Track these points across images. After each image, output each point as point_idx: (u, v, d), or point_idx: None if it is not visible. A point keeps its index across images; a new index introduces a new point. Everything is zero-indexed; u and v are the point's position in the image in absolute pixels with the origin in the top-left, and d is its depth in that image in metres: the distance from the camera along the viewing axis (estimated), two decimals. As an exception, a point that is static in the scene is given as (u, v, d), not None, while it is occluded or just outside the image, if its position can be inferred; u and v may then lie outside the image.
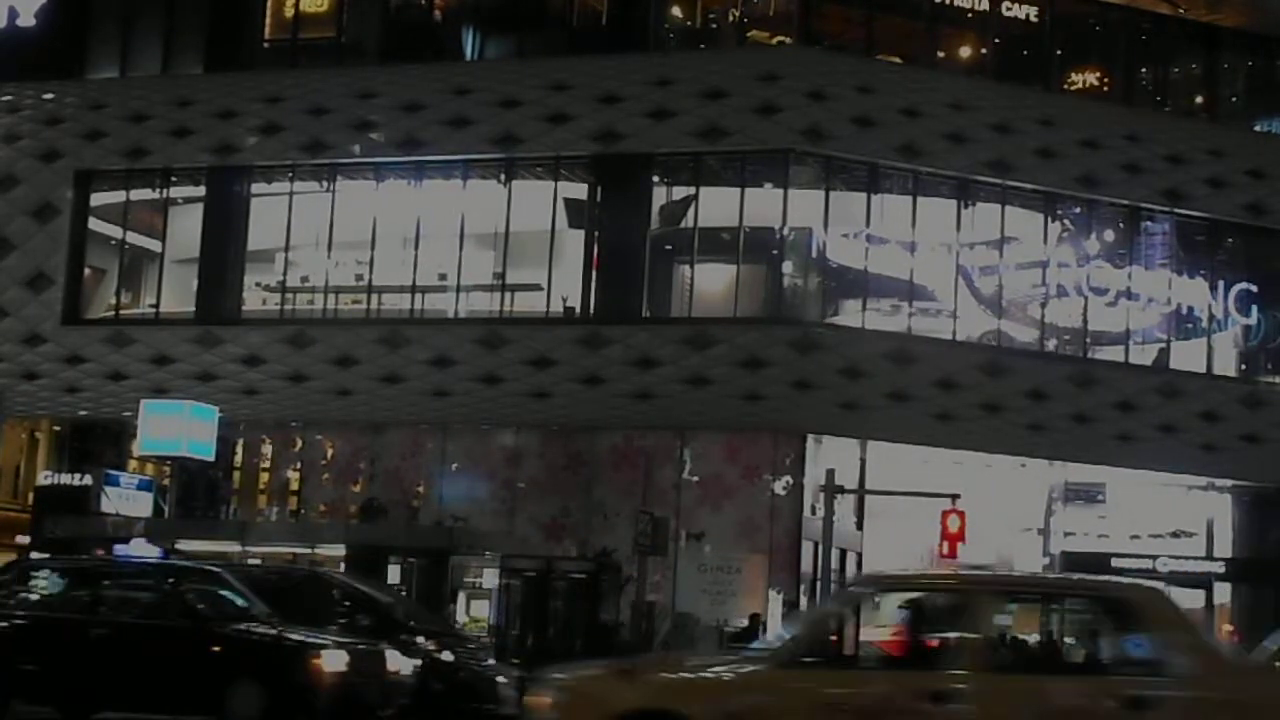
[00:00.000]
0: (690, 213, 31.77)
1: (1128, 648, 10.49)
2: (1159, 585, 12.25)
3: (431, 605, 26.18)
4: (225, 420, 30.89)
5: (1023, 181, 31.82)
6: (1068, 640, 10.92)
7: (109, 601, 17.99)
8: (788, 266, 31.89)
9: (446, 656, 20.03)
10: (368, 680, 17.17)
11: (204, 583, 18.52)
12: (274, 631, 17.17)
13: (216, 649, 16.91)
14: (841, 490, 28.94)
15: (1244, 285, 33.42)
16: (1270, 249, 33.66)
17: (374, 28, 34.67)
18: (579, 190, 32.58)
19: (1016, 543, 35.51)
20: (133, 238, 35.66)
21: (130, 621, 17.54)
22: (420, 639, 19.86)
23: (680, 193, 32.37)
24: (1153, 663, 10.23)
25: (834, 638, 11.06)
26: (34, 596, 18.79)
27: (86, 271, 35.34)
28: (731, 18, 34.45)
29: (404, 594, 25.97)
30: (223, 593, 18.20)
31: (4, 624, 18.06)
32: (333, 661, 16.78)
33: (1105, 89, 35.49)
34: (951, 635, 10.57)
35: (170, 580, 18.35)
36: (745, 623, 26.98)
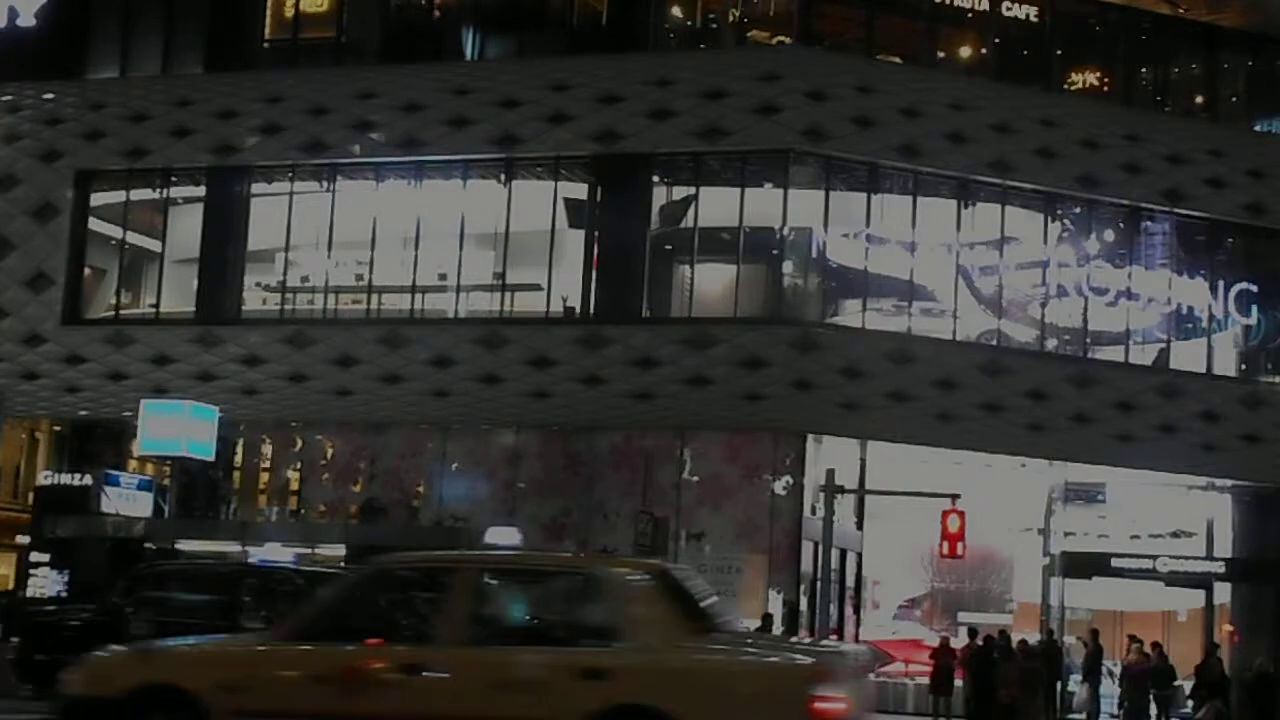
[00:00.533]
0: (690, 213, 31.76)
1: (596, 621, 11.11)
2: (655, 561, 13.24)
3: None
4: (225, 420, 30.92)
5: (1023, 181, 31.81)
6: (545, 615, 11.62)
7: (247, 606, 17.88)
8: (788, 266, 31.88)
9: None
10: None
11: None
12: None
13: None
14: (841, 490, 28.92)
15: (1244, 285, 33.41)
16: (1270, 249, 33.65)
17: (374, 28, 34.67)
18: (579, 190, 32.58)
19: (1017, 543, 35.55)
20: (133, 238, 35.65)
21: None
22: None
23: (680, 193, 32.36)
24: (616, 634, 10.85)
25: (335, 615, 11.75)
26: (169, 601, 18.62)
27: (87, 271, 35.35)
28: (731, 18, 34.44)
29: None
30: None
31: (142, 630, 18.01)
32: None
33: (1105, 89, 35.50)
34: (434, 610, 11.35)
35: (309, 584, 18.05)
36: (759, 623, 26.99)
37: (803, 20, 32.79)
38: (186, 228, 34.74)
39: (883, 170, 31.27)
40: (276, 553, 30.25)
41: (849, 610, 32.71)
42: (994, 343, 32.07)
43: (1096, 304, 32.68)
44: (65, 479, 34.35)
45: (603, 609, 11.12)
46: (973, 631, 30.00)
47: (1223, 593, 34.56)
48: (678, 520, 29.84)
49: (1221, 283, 33.36)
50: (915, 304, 31.54)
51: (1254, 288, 33.44)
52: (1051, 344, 32.87)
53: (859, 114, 30.96)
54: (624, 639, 10.81)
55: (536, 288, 31.81)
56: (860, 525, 33.34)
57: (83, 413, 34.69)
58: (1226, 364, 33.96)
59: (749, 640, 12.40)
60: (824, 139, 30.75)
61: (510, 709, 10.68)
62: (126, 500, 32.28)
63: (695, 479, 30.94)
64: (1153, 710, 29.86)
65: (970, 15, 33.69)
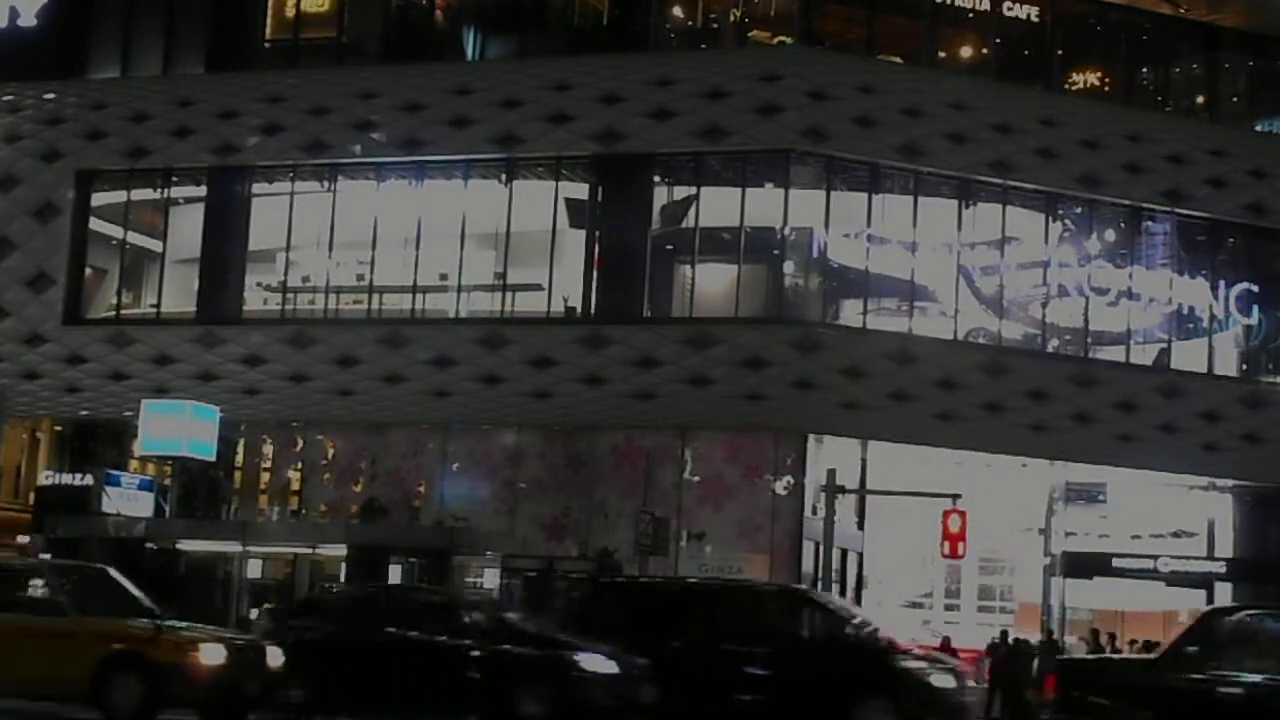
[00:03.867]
0: (691, 213, 31.76)
1: None
2: None
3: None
4: (226, 420, 30.90)
5: (1024, 181, 31.81)
6: None
7: None
8: (789, 266, 31.87)
9: None
10: None
11: None
12: None
13: None
14: (842, 490, 28.91)
15: (1245, 285, 33.44)
16: (1271, 249, 33.69)
17: (375, 28, 34.68)
18: (580, 190, 32.57)
19: (1017, 543, 35.55)
20: (134, 238, 35.67)
21: None
22: None
23: (681, 193, 32.36)
24: None
25: None
26: None
27: (88, 271, 35.36)
28: (732, 18, 34.43)
29: None
30: None
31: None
32: None
33: (1106, 89, 35.51)
34: None
35: None
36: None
37: (804, 20, 32.81)
38: (187, 228, 34.74)
39: (884, 170, 31.26)
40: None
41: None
42: (994, 343, 32.07)
43: (1097, 304, 32.68)
44: (66, 479, 34.35)
45: None
46: (1004, 634, 29.56)
47: (1223, 593, 34.53)
48: (679, 520, 29.85)
49: (1222, 283, 33.38)
50: (916, 304, 31.54)
51: (1255, 288, 33.47)
52: (1052, 344, 32.88)
53: (860, 114, 30.96)
54: None
55: (537, 288, 31.80)
56: (861, 525, 33.33)
57: (84, 413, 34.70)
58: (1227, 364, 33.97)
59: None
60: (825, 139, 30.75)
61: None
62: (127, 500, 32.21)
63: (696, 479, 30.94)
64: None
65: (971, 15, 33.71)
